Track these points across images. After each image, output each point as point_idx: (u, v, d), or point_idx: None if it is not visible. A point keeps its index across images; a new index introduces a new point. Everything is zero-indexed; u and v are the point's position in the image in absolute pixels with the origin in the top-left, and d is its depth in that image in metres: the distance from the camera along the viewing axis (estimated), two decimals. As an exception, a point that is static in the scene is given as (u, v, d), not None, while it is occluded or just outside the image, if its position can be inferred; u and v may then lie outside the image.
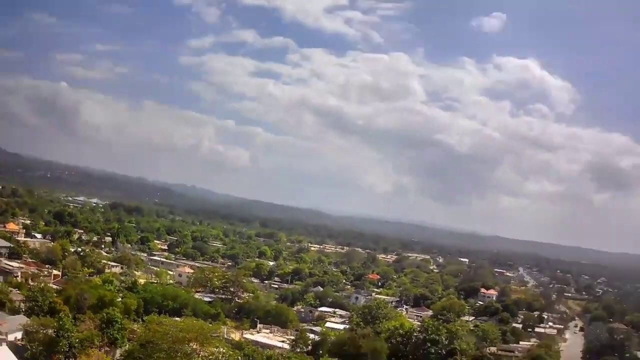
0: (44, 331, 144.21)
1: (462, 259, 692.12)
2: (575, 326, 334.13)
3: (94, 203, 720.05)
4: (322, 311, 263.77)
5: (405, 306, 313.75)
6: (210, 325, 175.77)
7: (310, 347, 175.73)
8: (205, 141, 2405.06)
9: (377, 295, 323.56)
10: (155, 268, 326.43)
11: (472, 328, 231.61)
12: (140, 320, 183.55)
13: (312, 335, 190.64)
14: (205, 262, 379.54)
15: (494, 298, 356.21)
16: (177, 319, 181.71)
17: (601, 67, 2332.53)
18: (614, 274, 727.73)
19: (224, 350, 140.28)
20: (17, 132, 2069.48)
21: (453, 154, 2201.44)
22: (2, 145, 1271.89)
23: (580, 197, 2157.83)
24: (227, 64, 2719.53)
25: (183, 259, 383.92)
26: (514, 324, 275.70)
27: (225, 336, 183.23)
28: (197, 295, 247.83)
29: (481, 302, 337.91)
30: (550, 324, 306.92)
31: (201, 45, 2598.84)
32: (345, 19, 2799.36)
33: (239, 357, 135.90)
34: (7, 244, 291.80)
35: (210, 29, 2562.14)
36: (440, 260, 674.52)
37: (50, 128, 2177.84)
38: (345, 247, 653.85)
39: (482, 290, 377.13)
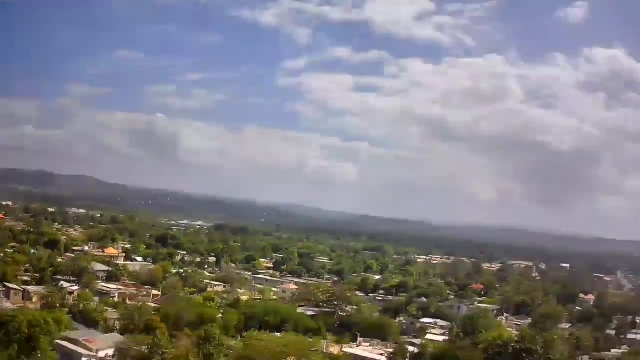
0: (137, 348, 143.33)
1: (563, 265, 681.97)
2: None
3: (199, 226, 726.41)
4: (423, 323, 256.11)
5: (505, 314, 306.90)
6: (310, 340, 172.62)
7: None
8: (310, 159, 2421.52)
9: (478, 305, 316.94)
10: (259, 286, 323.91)
11: (567, 336, 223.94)
12: (239, 336, 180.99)
13: (411, 348, 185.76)
14: (311, 278, 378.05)
15: (591, 303, 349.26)
16: (277, 334, 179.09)
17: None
18: None
19: None
20: (116, 163, 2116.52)
21: (554, 154, 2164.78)
22: (101, 177, 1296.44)
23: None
24: (326, 82, 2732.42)
25: (289, 276, 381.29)
26: (608, 330, 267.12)
27: (324, 350, 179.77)
28: (299, 310, 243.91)
29: (579, 308, 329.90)
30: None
31: (297, 66, 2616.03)
32: (436, 25, 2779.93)
33: None
34: (106, 267, 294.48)
35: (304, 48, 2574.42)
36: (543, 267, 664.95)
37: (149, 158, 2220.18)
38: (451, 257, 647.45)
39: (581, 295, 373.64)
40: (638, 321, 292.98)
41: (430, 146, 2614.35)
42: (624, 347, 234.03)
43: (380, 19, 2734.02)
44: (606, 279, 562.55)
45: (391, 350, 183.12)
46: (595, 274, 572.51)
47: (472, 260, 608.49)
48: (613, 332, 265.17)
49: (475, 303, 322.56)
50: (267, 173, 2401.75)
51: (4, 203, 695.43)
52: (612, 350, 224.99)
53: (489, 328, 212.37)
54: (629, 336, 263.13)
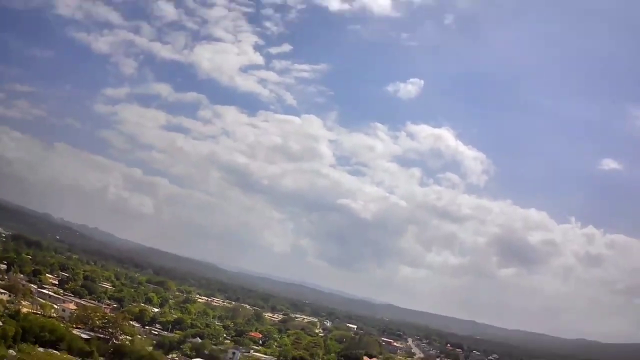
0: None
1: (350, 325, 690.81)
2: None
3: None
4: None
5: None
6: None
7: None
8: (112, 187, 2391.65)
9: (254, 353, 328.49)
10: (42, 300, 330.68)
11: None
12: (16, 347, 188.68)
13: None
14: (92, 301, 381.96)
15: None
16: (52, 350, 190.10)
17: (517, 140, 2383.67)
18: (507, 350, 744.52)
19: None
20: None
21: (355, 219, 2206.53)
22: None
23: (483, 271, 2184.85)
24: (140, 116, 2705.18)
25: (71, 295, 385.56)
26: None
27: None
28: (75, 332, 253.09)
29: None
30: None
31: (116, 95, 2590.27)
32: (260, 78, 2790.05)
33: None
34: None
35: (127, 79, 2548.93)
36: (328, 324, 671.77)
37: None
38: (233, 302, 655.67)
39: (365, 358, 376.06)
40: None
41: (230, 194, 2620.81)
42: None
43: (206, 65, 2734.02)
44: (396, 344, 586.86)
45: None
46: (384, 339, 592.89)
47: (255, 308, 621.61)
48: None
49: (252, 352, 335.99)
50: (69, 191, 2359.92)
51: None
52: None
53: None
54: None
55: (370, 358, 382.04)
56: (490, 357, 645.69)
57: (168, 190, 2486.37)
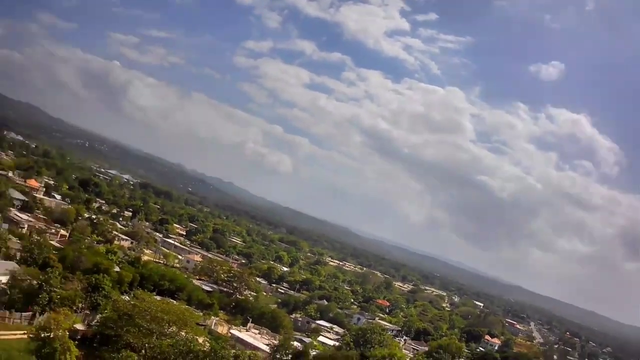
0: (29, 281, 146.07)
1: (477, 302, 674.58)
2: None
3: (125, 179, 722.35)
4: (319, 324, 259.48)
5: (405, 337, 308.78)
6: (195, 312, 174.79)
7: (290, 356, 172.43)
8: (250, 142, 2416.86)
9: (379, 321, 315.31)
10: (166, 250, 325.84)
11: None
12: (131, 293, 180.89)
13: (297, 344, 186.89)
14: (219, 254, 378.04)
15: (496, 347, 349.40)
16: (168, 299, 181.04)
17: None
18: (620, 345, 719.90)
19: (194, 337, 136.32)
20: (63, 100, 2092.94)
21: (492, 197, 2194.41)
22: (46, 109, 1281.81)
23: (609, 263, 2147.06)
24: (282, 72, 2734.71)
25: (198, 247, 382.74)
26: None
27: (212, 327, 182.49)
28: (197, 283, 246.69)
29: (482, 349, 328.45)
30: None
31: (258, 48, 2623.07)
32: (405, 45, 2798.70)
33: (205, 348, 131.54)
34: (22, 197, 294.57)
35: (270, 33, 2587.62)
36: (456, 300, 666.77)
37: (97, 101, 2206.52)
38: (364, 268, 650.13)
39: (487, 337, 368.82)
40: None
41: (370, 159, 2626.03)
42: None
43: (352, 25, 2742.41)
44: (518, 326, 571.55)
45: (276, 342, 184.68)
46: (508, 320, 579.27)
47: (385, 275, 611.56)
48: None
49: (377, 318, 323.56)
50: (204, 144, 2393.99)
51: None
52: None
53: (383, 345, 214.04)
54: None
55: (491, 337, 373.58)
56: (604, 350, 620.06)
57: (307, 150, 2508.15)
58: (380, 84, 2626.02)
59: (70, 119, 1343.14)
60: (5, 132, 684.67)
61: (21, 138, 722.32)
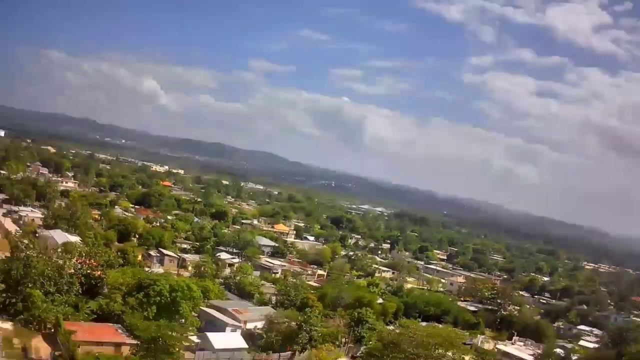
0: (287, 323, 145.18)
1: None
2: None
3: (378, 211, 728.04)
4: (580, 329, 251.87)
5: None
6: (461, 333, 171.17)
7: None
8: (494, 158, 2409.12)
9: (634, 319, 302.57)
10: (428, 275, 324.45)
11: None
12: (396, 323, 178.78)
13: (559, 351, 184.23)
14: (481, 273, 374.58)
15: None
16: (434, 324, 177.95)
17: None
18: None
19: (461, 357, 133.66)
20: (298, 143, 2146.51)
21: None
22: (283, 155, 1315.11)
23: None
24: (509, 83, 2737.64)
25: (459, 269, 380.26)
26: None
27: (478, 345, 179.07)
28: (462, 304, 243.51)
29: None
30: None
31: (481, 64, 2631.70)
32: (612, 37, 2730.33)
33: None
34: (272, 243, 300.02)
35: (488, 47, 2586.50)
36: None
37: (332, 140, 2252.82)
38: (617, 267, 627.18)
39: None
40: None
41: (606, 156, 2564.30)
42: None
43: (561, 26, 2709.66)
44: None
45: (540, 351, 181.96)
46: None
47: (637, 272, 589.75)
48: None
49: (631, 316, 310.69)
50: (450, 166, 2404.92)
51: (174, 171, 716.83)
52: None
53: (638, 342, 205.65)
54: None
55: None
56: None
57: (549, 157, 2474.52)
58: (599, 80, 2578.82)
59: (309, 160, 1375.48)
60: (242, 184, 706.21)
61: (261, 187, 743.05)
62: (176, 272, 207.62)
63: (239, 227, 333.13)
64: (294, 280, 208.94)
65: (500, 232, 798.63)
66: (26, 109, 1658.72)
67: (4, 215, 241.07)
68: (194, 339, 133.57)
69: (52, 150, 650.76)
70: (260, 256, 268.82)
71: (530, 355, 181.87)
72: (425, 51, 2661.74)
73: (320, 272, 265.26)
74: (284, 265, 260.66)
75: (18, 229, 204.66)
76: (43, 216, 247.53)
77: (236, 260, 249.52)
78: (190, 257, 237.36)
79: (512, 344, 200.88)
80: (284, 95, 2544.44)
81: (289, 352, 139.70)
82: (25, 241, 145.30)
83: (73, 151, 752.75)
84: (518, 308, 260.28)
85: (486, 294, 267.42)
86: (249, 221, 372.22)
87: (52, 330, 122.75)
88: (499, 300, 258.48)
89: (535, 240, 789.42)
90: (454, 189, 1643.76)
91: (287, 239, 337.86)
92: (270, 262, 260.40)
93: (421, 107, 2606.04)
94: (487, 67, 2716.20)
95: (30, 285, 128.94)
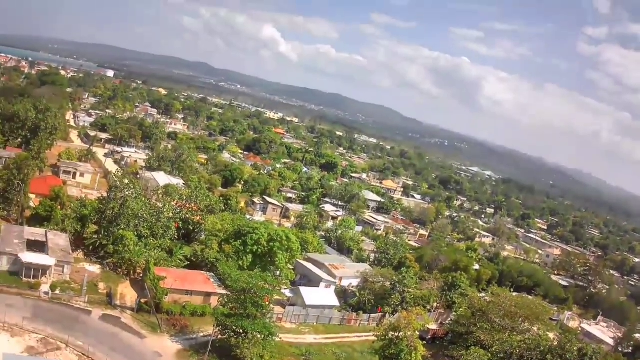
0: (382, 282, 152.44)
1: None
2: None
3: (487, 176, 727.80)
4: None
5: None
6: (549, 307, 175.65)
7: (631, 349, 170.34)
8: (604, 131, 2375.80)
9: None
10: (527, 245, 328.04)
11: None
12: (488, 290, 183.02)
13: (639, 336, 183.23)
14: (578, 247, 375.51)
15: None
16: (525, 294, 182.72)
17: None
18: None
19: (545, 333, 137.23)
20: (415, 99, 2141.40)
21: None
22: (399, 110, 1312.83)
23: None
24: (622, 56, 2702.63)
25: (557, 241, 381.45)
26: None
27: (564, 322, 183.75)
28: (555, 278, 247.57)
29: None
30: None
31: (596, 35, 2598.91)
32: None
33: (553, 343, 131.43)
34: (378, 198, 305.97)
35: (603, 19, 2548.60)
36: None
37: (450, 99, 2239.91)
38: None
39: None
40: None
41: None
42: None
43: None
44: None
45: (620, 335, 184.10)
46: None
47: None
48: None
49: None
50: (561, 135, 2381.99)
51: (289, 119, 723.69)
52: None
53: None
54: None
55: None
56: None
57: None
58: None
59: (425, 118, 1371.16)
60: (356, 136, 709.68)
61: (374, 140, 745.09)
62: (278, 221, 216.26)
63: (347, 180, 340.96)
64: (395, 238, 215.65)
65: (602, 207, 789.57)
66: (139, 51, 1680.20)
67: (106, 155, 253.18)
68: (287, 292, 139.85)
69: (163, 92, 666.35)
70: (365, 211, 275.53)
71: (610, 337, 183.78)
72: (542, 17, 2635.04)
73: (422, 232, 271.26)
74: (387, 222, 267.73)
75: (119, 169, 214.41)
76: (147, 157, 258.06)
77: (340, 213, 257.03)
78: (294, 207, 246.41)
79: (597, 324, 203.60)
80: (404, 50, 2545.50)
81: (380, 314, 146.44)
82: (126, 181, 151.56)
83: (185, 94, 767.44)
84: (607, 287, 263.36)
85: (579, 269, 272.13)
86: (358, 175, 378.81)
87: (142, 276, 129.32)
88: (590, 278, 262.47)
89: (634, 219, 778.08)
90: (563, 158, 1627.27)
91: (393, 196, 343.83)
92: (374, 218, 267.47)
93: (536, 73, 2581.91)
94: (602, 38, 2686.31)
95: (123, 227, 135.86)
